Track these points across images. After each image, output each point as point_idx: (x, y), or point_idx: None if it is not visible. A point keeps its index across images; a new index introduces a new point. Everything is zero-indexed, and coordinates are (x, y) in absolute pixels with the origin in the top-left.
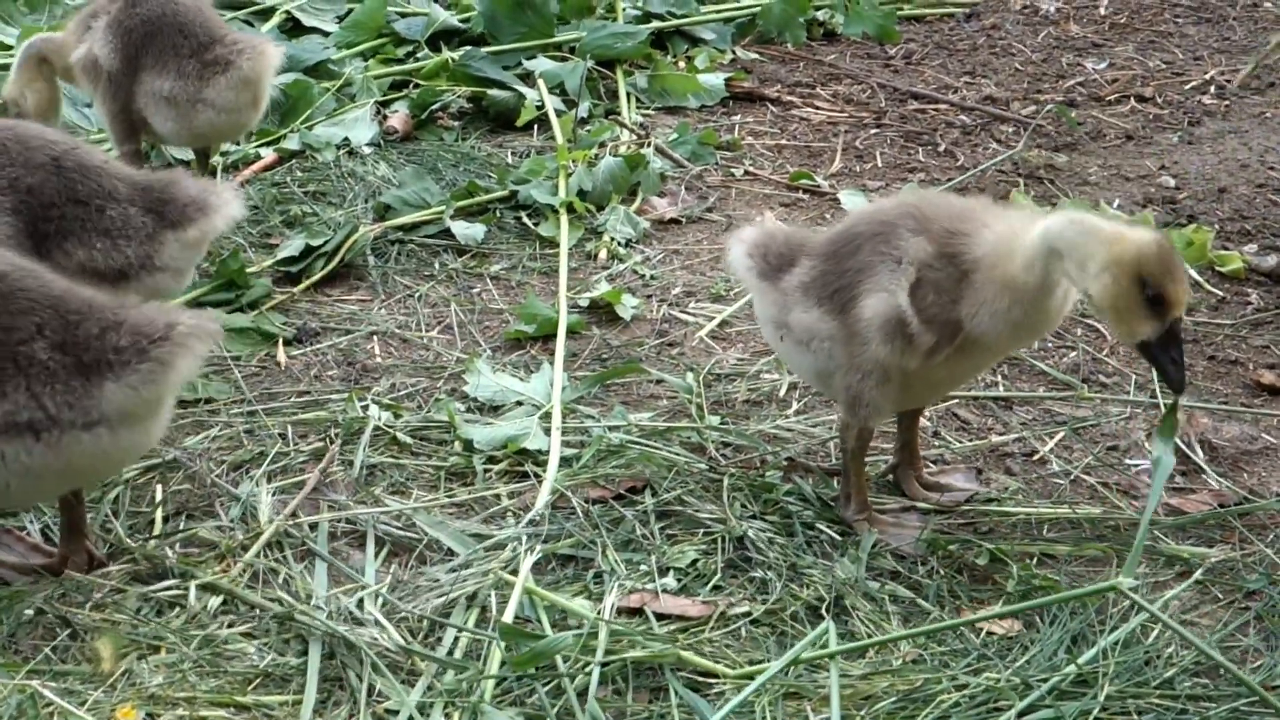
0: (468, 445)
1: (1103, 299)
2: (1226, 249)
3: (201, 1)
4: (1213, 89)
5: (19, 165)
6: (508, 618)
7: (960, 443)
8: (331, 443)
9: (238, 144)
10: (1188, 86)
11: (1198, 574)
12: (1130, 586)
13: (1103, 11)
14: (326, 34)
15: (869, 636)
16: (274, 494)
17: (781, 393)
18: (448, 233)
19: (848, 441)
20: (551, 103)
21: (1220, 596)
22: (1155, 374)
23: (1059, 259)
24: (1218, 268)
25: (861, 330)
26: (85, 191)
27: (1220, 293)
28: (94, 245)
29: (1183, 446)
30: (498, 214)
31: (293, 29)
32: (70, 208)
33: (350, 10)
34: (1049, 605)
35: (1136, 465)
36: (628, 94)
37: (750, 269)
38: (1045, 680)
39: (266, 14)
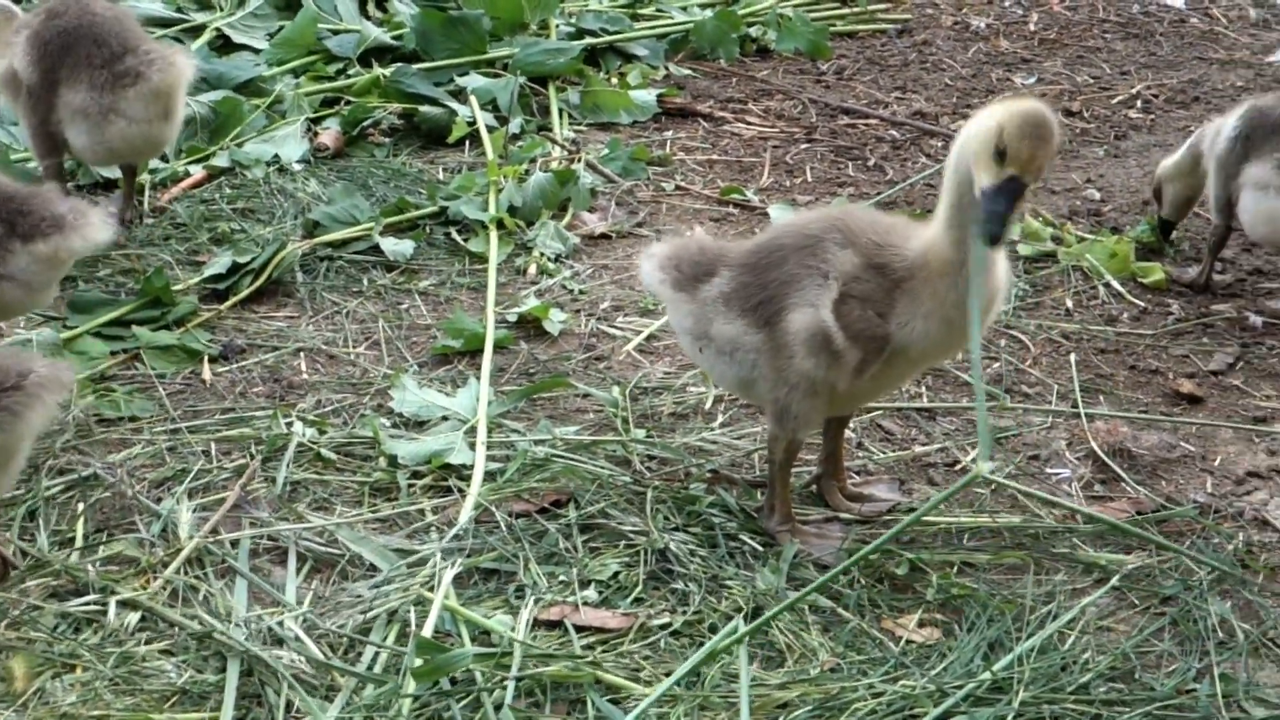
0: (392, 461)
1: (974, 157)
2: (1149, 260)
3: (121, 12)
4: (1139, 103)
5: None
6: (427, 633)
7: (884, 453)
8: (253, 458)
9: (166, 160)
10: (1114, 101)
11: (1114, 580)
12: (990, 470)
13: (1032, 27)
14: (257, 51)
15: (788, 647)
16: (196, 511)
17: (707, 406)
18: (377, 249)
19: (775, 453)
20: (483, 119)
21: (1137, 603)
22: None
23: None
24: (1140, 279)
25: (788, 343)
26: None
27: (1142, 303)
28: None
29: (1102, 455)
30: (427, 230)
31: (223, 46)
32: None
33: (281, 27)
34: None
35: (1057, 474)
36: (560, 110)
37: (664, 282)
38: (961, 687)
39: (197, 31)
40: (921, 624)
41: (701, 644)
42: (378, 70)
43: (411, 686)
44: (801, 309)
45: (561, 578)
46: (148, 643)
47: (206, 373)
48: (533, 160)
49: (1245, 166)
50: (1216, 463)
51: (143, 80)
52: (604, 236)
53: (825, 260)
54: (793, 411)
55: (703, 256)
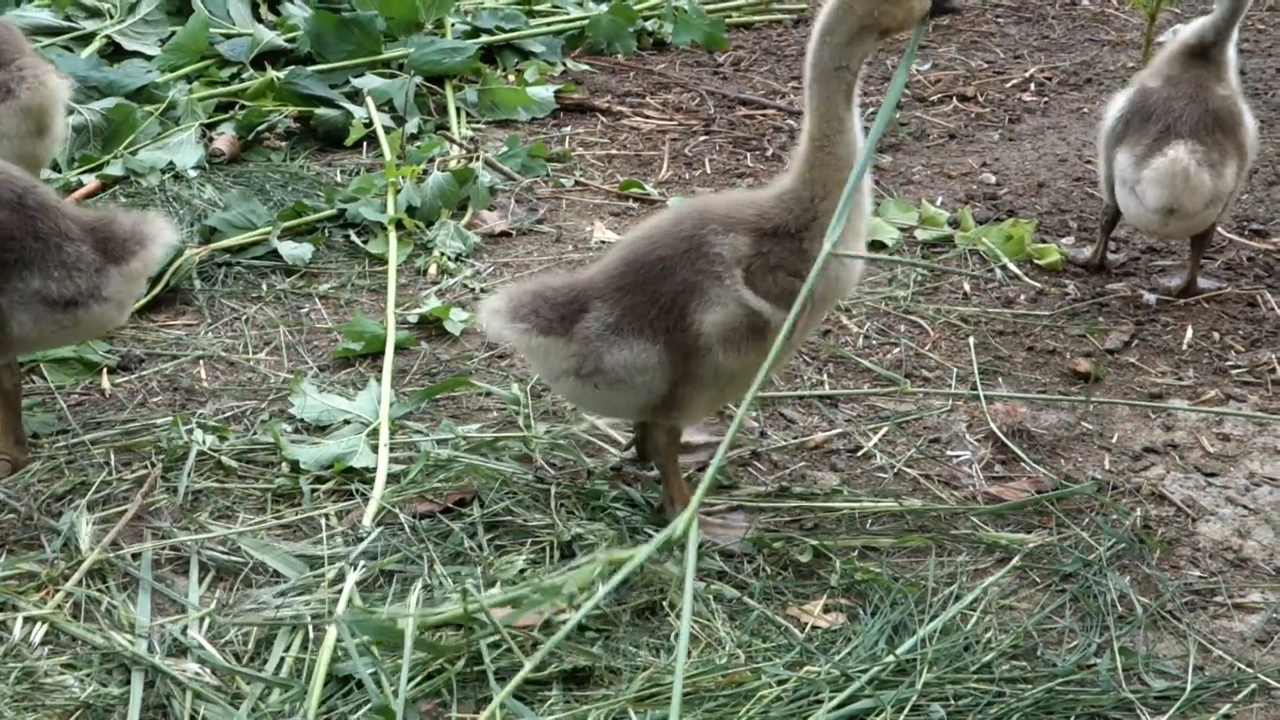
0: (294, 466)
1: (884, 19)
2: (1045, 242)
3: (2, 24)
4: (1033, 86)
5: None
6: (331, 639)
7: (786, 441)
8: (153, 468)
9: (58, 170)
10: (1008, 85)
11: (1016, 560)
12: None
13: None
14: (149, 58)
15: (694, 637)
16: (97, 523)
17: None
18: (275, 254)
19: (661, 443)
20: (380, 120)
21: (1038, 580)
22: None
23: (847, 32)
24: (1036, 260)
25: (702, 344)
26: (45, 229)
27: (1039, 285)
28: (51, 275)
29: (1001, 436)
30: (326, 233)
31: (114, 53)
32: (30, 242)
33: (173, 33)
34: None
35: (957, 456)
36: (457, 109)
37: (527, 330)
38: (865, 671)
39: (87, 39)
40: (826, 610)
41: (608, 636)
42: (272, 73)
43: (318, 689)
44: (713, 309)
45: (469, 578)
46: (50, 657)
47: (106, 383)
48: (431, 160)
49: (1116, 151)
50: (1114, 440)
51: (12, 97)
52: (504, 234)
53: (716, 258)
54: (691, 404)
55: (560, 295)
